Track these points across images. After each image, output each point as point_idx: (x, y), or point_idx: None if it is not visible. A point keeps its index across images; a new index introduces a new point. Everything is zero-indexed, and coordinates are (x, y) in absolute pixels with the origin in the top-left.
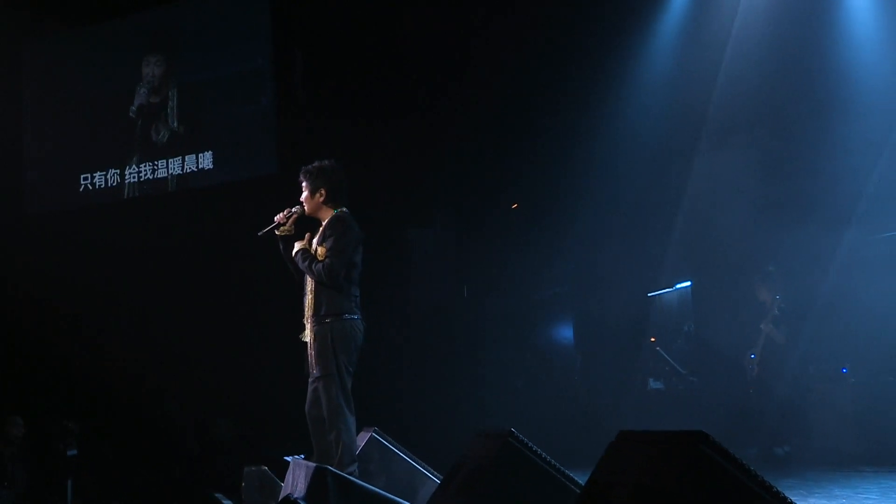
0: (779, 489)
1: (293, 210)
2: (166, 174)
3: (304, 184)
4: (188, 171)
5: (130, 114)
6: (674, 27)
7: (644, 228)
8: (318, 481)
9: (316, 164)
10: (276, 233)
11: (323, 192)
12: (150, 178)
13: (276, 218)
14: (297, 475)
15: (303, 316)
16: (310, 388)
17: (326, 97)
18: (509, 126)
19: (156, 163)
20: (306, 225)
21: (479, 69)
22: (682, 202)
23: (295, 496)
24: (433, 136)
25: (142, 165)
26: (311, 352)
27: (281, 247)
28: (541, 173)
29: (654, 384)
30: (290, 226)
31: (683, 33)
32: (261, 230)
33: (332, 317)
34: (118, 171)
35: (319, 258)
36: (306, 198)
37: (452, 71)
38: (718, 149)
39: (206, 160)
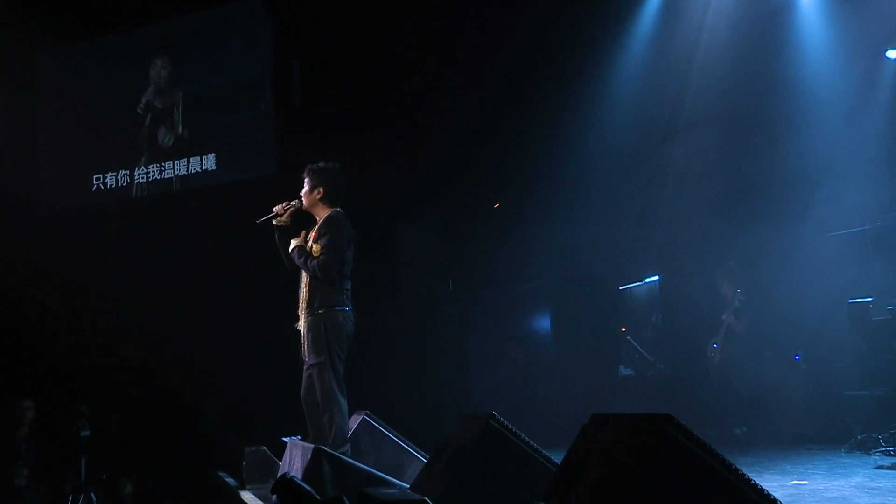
0: (737, 466)
1: (291, 203)
2: (172, 175)
3: (306, 179)
4: (193, 171)
5: (138, 110)
6: (643, 39)
7: (616, 227)
8: (313, 461)
9: (321, 163)
10: (273, 222)
11: (321, 190)
12: (158, 178)
13: (275, 208)
14: (294, 455)
15: (297, 308)
16: (304, 375)
17: (322, 103)
18: (492, 132)
19: (163, 164)
20: (303, 221)
21: (463, 80)
22: (650, 203)
23: (291, 474)
24: (421, 140)
25: (150, 166)
26: (304, 341)
27: (276, 235)
28: (520, 176)
29: (624, 371)
30: (286, 217)
31: (652, 45)
32: (259, 219)
33: (324, 308)
34: (128, 171)
35: (314, 254)
36: (305, 193)
37: (439, 82)
38: (683, 154)
39: (209, 162)
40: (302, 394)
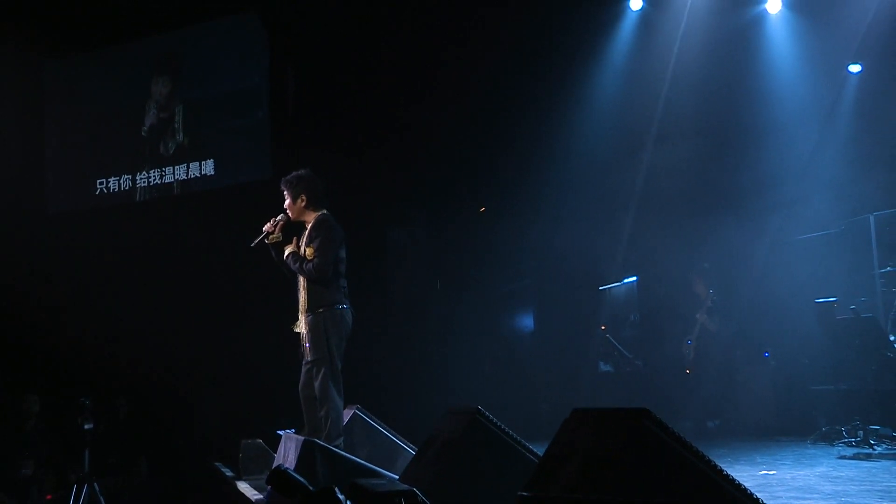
0: (710, 457)
1: (278, 219)
2: (172, 179)
3: (285, 193)
4: (192, 176)
5: (142, 133)
6: (621, 51)
7: (596, 229)
8: (307, 453)
9: (293, 174)
10: (267, 241)
11: (303, 198)
12: (159, 182)
13: (265, 228)
14: (289, 447)
15: (297, 309)
16: (303, 371)
17: (315, 111)
18: (478, 138)
19: (163, 169)
20: (293, 229)
21: (451, 89)
22: (629, 207)
23: (286, 466)
24: (410, 145)
25: (151, 171)
26: (303, 340)
27: (273, 253)
28: (505, 181)
29: (604, 367)
30: (277, 233)
31: (630, 57)
32: (252, 242)
33: (324, 307)
34: (130, 176)
35: (308, 258)
36: (289, 205)
37: (427, 90)
38: (660, 161)
39: (208, 167)
40: (300, 388)
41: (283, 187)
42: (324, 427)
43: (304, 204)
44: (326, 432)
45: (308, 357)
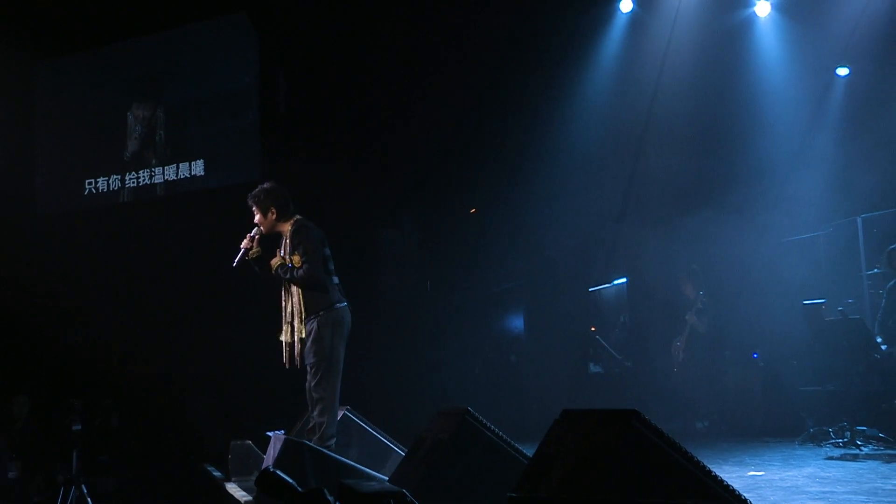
0: (699, 458)
1: (253, 233)
2: (162, 179)
3: (254, 208)
4: (182, 177)
5: (125, 158)
6: (612, 52)
7: (586, 231)
8: (296, 454)
9: (258, 188)
10: (247, 258)
11: (273, 210)
12: (148, 182)
13: (243, 245)
14: (278, 449)
15: (282, 318)
16: (308, 371)
17: (306, 112)
18: (470, 140)
19: (153, 170)
20: (270, 241)
21: (440, 91)
22: (618, 208)
23: (274, 468)
24: (400, 147)
25: (140, 172)
26: (298, 346)
27: (257, 269)
28: (495, 182)
29: (594, 368)
30: (256, 247)
31: (621, 59)
32: (233, 261)
33: (325, 309)
34: (119, 176)
35: (296, 265)
36: (260, 220)
37: (417, 92)
38: (649, 163)
39: (197, 167)
40: (306, 387)
41: (250, 203)
42: (317, 428)
43: (274, 217)
44: (320, 433)
45: (307, 360)
